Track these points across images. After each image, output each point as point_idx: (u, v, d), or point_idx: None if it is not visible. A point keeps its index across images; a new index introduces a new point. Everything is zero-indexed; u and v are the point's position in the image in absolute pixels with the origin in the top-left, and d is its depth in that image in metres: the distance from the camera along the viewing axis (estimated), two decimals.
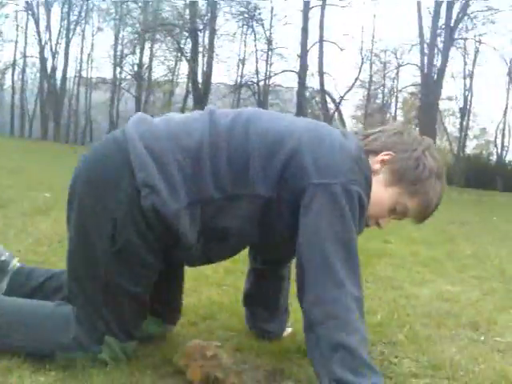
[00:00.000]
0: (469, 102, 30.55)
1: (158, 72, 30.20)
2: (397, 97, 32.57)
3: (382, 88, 32.01)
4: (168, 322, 1.60)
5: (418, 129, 23.33)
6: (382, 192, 1.36)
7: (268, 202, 1.26)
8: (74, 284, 1.35)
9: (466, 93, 30.01)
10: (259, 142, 1.27)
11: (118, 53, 29.71)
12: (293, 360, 1.54)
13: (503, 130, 32.19)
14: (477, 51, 28.28)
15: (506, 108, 29.83)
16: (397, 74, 31.06)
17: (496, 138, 31.64)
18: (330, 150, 1.27)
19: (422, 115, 23.38)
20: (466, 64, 29.48)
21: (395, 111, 33.75)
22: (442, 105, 29.66)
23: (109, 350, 1.31)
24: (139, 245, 1.26)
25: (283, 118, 1.40)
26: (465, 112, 30.52)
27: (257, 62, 28.62)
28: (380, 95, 32.63)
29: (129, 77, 30.26)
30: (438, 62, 23.78)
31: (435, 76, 23.13)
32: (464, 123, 31.20)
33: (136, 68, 29.30)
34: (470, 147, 33.36)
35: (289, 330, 1.76)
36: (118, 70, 30.13)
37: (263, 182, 1.25)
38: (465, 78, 29.81)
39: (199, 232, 1.28)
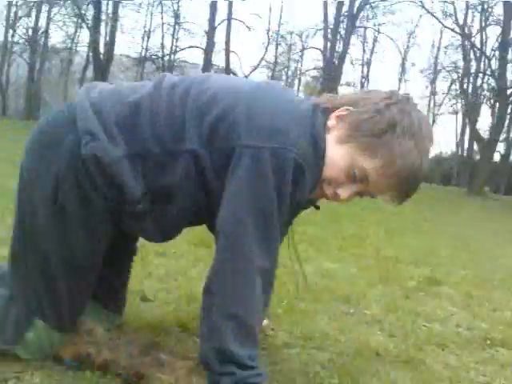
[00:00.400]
0: (365, 89, 32.11)
1: (56, 38, 28.37)
2: (300, 79, 33.51)
3: (286, 69, 32.76)
4: (115, 311, 1.52)
5: None
6: (335, 150, 1.19)
7: (201, 160, 1.18)
8: (14, 260, 1.28)
9: (363, 80, 31.59)
10: (197, 100, 1.21)
11: (12, 14, 27.41)
12: (172, 334, 1.60)
13: None
14: (375, 40, 29.78)
15: None
16: (301, 56, 31.93)
17: None
18: (270, 109, 1.16)
19: None
20: (364, 52, 30.95)
21: (297, 93, 34.64)
22: (342, 90, 30.87)
23: (36, 332, 1.26)
24: (81, 201, 1.20)
25: (233, 79, 1.35)
26: None
27: (163, 36, 27.94)
28: (284, 76, 33.37)
29: (22, 41, 28.08)
30: (339, 48, 24.69)
31: (336, 61, 24.04)
32: None
33: (31, 32, 27.24)
34: None
35: (265, 322, 1.65)
36: (11, 32, 27.83)
37: (197, 138, 1.18)
38: (363, 66, 31.32)
39: (144, 192, 1.21)
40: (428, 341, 1.91)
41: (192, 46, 27.29)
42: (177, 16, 27.52)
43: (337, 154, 1.19)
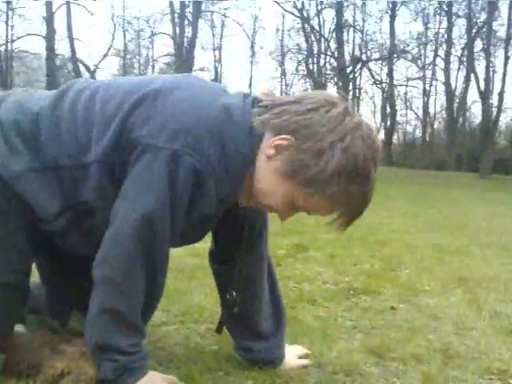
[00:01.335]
0: (220, 74, 32.59)
1: None
2: (153, 66, 32.80)
3: (137, 57, 31.84)
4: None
5: None
6: (276, 183, 1.10)
7: (110, 169, 1.09)
8: None
9: (216, 64, 31.98)
10: (103, 105, 1.12)
11: None
12: None
13: None
14: (223, 24, 30.23)
15: (251, 79, 32.64)
16: (151, 43, 31.22)
17: None
18: (179, 107, 1.07)
19: None
20: (214, 36, 31.27)
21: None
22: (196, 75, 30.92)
23: None
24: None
25: (141, 77, 1.25)
26: (216, 82, 32.50)
27: None
28: (136, 64, 32.44)
29: None
30: (189, 33, 24.64)
31: (187, 47, 23.97)
32: None
33: None
34: None
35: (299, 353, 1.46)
36: None
37: (104, 146, 1.09)
38: (214, 50, 31.64)
39: (63, 208, 1.13)
40: (299, 299, 2.03)
41: (30, 34, 25.21)
42: (9, 1, 25.12)
43: (278, 187, 1.10)
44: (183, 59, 23.27)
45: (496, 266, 3.12)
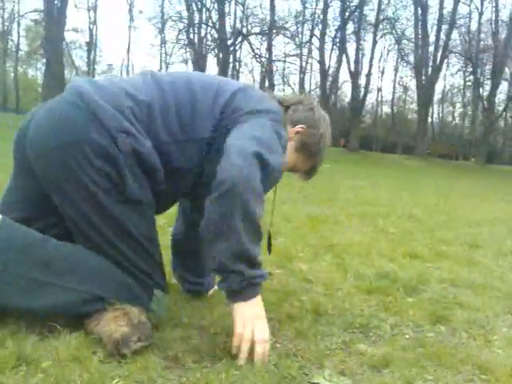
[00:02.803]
0: (94, 36, 30.78)
1: None
2: (19, 23, 29.94)
3: (0, 11, 28.77)
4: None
5: (44, 60, 22.11)
6: (290, 154, 1.61)
7: (209, 141, 1.43)
8: (105, 246, 1.36)
9: (91, 26, 30.11)
10: (203, 94, 1.47)
11: None
12: None
13: (127, 66, 33.99)
14: None
15: (129, 45, 31.37)
16: None
17: (122, 74, 33.14)
18: (261, 99, 1.53)
19: (48, 45, 22.29)
20: None
21: (18, 39, 31.05)
22: (69, 36, 28.95)
23: (157, 302, 1.43)
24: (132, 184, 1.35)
25: (214, 77, 1.61)
26: (91, 46, 30.67)
27: None
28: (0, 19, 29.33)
29: None
30: None
31: (58, 4, 22.18)
32: (91, 57, 31.41)
33: None
34: None
35: (215, 287, 1.78)
36: None
37: (206, 126, 1.43)
38: (89, 10, 29.73)
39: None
40: None
41: None
42: None
43: (290, 157, 1.62)
44: (54, 17, 21.52)
45: (360, 233, 3.43)
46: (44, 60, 25.90)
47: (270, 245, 1.74)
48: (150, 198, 1.41)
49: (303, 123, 1.64)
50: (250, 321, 1.29)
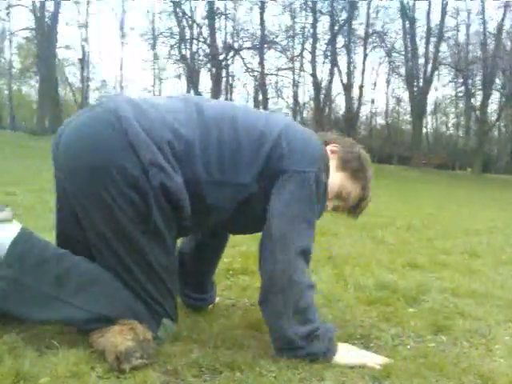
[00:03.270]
0: (87, 53, 30.93)
1: None
2: (11, 40, 29.98)
3: None
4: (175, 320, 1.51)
5: (38, 77, 22.13)
6: (333, 176, 1.57)
7: (248, 189, 1.43)
8: (121, 269, 1.36)
9: (83, 43, 30.25)
10: (247, 137, 1.43)
11: None
12: None
13: (121, 82, 34.15)
14: (88, 1, 28.68)
15: (122, 61, 31.54)
16: (8, 14, 28.41)
17: (116, 90, 33.32)
18: (304, 143, 1.49)
19: (41, 63, 22.38)
20: (79, 13, 29.55)
21: (11, 57, 31.14)
22: (61, 53, 29.06)
23: (164, 330, 1.41)
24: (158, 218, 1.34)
25: (259, 114, 1.56)
26: (84, 63, 30.80)
27: None
28: None
29: None
30: (51, 7, 22.89)
31: (49, 21, 22.28)
32: (85, 74, 31.52)
33: None
34: (93, 98, 34.14)
35: (217, 299, 1.89)
36: None
37: (247, 171, 1.42)
38: (80, 28, 29.88)
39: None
40: None
41: None
42: None
43: (333, 178, 1.56)
44: (45, 35, 21.61)
45: (359, 244, 3.43)
46: (37, 77, 25.97)
47: None
48: (174, 230, 1.41)
49: (334, 143, 1.63)
50: (355, 362, 1.40)
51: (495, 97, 31.87)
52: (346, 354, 1.42)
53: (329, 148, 1.61)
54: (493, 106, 32.56)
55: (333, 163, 1.59)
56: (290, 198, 1.42)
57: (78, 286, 1.34)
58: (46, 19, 22.21)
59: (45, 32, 21.76)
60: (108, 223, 1.33)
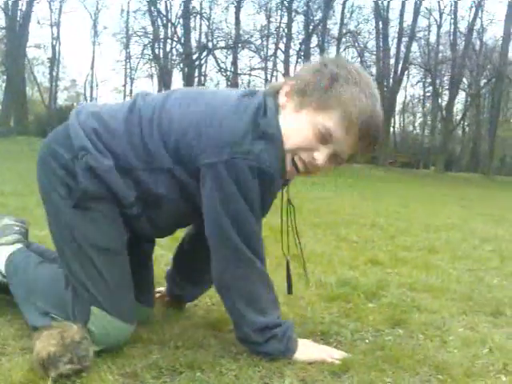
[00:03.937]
0: (57, 52, 30.33)
1: None
2: None
3: None
4: (145, 304, 1.57)
5: (5, 77, 21.66)
6: (295, 120, 1.29)
7: (178, 176, 1.33)
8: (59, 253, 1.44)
9: (54, 42, 29.66)
10: (159, 125, 1.34)
11: None
12: None
13: (91, 82, 33.59)
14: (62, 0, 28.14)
15: (93, 61, 31.06)
16: None
17: (85, 90, 32.78)
18: (217, 124, 1.26)
19: (10, 62, 21.88)
20: (52, 11, 28.96)
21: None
22: (31, 52, 28.41)
23: (96, 322, 1.34)
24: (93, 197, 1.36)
25: (198, 99, 1.37)
26: (54, 62, 30.19)
27: None
28: None
29: None
30: (23, 6, 22.45)
31: (21, 20, 21.81)
32: (54, 73, 30.89)
33: None
34: (62, 98, 33.52)
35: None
36: None
37: (168, 157, 1.32)
38: (52, 26, 29.30)
39: (136, 197, 1.37)
40: None
41: None
42: None
43: (298, 122, 1.28)
44: (15, 33, 21.10)
45: (323, 242, 3.47)
46: (4, 77, 25.32)
47: (290, 286, 1.70)
48: (117, 216, 1.39)
49: (296, 78, 1.34)
50: (315, 358, 1.41)
51: (461, 97, 32.77)
52: (306, 350, 1.44)
53: (283, 91, 1.32)
54: (459, 106, 33.46)
55: (290, 105, 1.31)
56: (210, 198, 1.30)
57: (35, 287, 1.50)
58: (18, 18, 21.69)
59: (16, 30, 21.22)
60: (46, 203, 1.45)
